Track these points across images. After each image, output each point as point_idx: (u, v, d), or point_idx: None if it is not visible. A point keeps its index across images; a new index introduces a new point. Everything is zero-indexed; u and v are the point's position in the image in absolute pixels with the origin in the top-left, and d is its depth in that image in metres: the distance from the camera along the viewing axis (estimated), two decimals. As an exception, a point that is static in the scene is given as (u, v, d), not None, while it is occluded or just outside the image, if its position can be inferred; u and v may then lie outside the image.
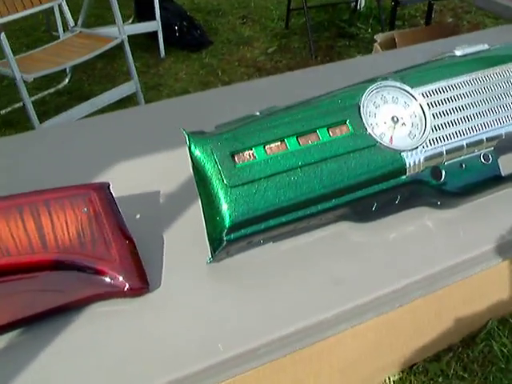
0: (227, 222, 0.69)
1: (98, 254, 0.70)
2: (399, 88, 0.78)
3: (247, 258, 0.75)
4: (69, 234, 0.71)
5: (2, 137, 1.10)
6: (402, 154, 0.75)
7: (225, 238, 0.70)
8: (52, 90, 2.66)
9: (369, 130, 0.75)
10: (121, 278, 0.69)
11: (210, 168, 0.70)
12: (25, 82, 1.94)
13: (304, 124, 0.73)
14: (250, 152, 0.71)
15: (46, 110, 2.51)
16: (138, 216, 0.81)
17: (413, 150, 0.76)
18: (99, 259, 0.70)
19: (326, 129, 0.74)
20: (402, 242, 0.78)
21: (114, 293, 0.69)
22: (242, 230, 0.70)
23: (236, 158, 0.71)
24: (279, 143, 0.72)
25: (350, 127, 0.75)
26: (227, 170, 0.69)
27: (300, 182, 0.71)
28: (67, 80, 2.72)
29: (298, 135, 0.73)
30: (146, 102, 2.58)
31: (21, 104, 2.40)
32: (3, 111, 2.50)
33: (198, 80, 2.90)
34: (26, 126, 2.25)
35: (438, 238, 0.80)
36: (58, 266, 0.69)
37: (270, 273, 0.74)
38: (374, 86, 0.77)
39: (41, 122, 2.22)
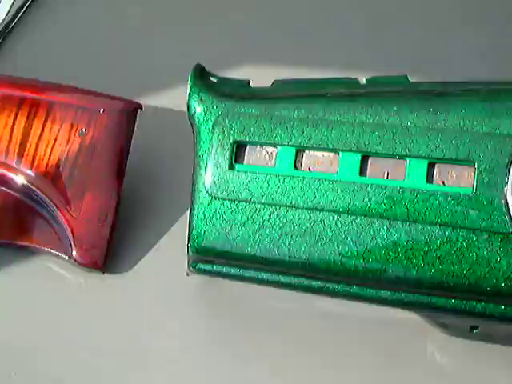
0: (191, 247, 0.42)
1: (64, 198, 0.52)
2: None
3: (252, 292, 0.47)
4: (50, 156, 0.53)
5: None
6: (563, 273, 0.35)
7: (190, 264, 0.44)
8: None
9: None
10: (69, 241, 0.50)
11: (200, 148, 0.42)
12: None
13: (387, 139, 0.38)
14: (271, 151, 0.41)
15: None
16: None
17: None
18: (61, 205, 0.51)
19: (426, 163, 0.38)
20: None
21: (55, 254, 0.51)
22: (214, 267, 0.43)
23: (245, 154, 0.41)
24: (329, 155, 0.40)
25: (475, 178, 0.37)
26: (217, 169, 0.41)
27: (331, 238, 0.39)
28: None
29: (368, 154, 0.39)
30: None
31: None
32: None
33: None
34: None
35: None
36: (19, 189, 0.53)
37: (267, 337, 0.46)
38: None
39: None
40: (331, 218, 0.39)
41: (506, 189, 0.36)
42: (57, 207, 0.51)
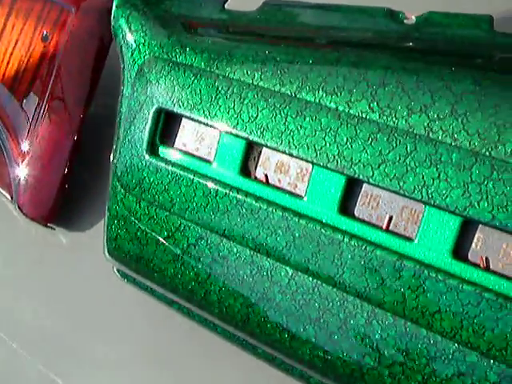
0: (106, 250, 0.29)
1: (17, 123, 0.40)
2: None
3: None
4: (8, 64, 0.40)
5: None
6: None
7: (115, 269, 0.31)
8: None
9: None
10: (16, 182, 0.39)
11: (121, 108, 0.27)
12: None
13: (397, 160, 0.20)
14: (215, 134, 0.24)
15: None
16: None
17: None
18: (12, 132, 0.40)
19: (459, 221, 0.19)
20: None
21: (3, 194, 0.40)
22: (137, 281, 0.29)
23: (177, 130, 0.25)
24: (299, 164, 0.22)
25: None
26: (131, 150, 0.26)
27: (278, 303, 0.23)
28: None
29: (358, 179, 0.21)
30: None
31: None
32: None
33: None
34: None
35: None
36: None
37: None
38: None
39: None
40: (282, 273, 0.22)
41: None
42: (8, 133, 0.40)
